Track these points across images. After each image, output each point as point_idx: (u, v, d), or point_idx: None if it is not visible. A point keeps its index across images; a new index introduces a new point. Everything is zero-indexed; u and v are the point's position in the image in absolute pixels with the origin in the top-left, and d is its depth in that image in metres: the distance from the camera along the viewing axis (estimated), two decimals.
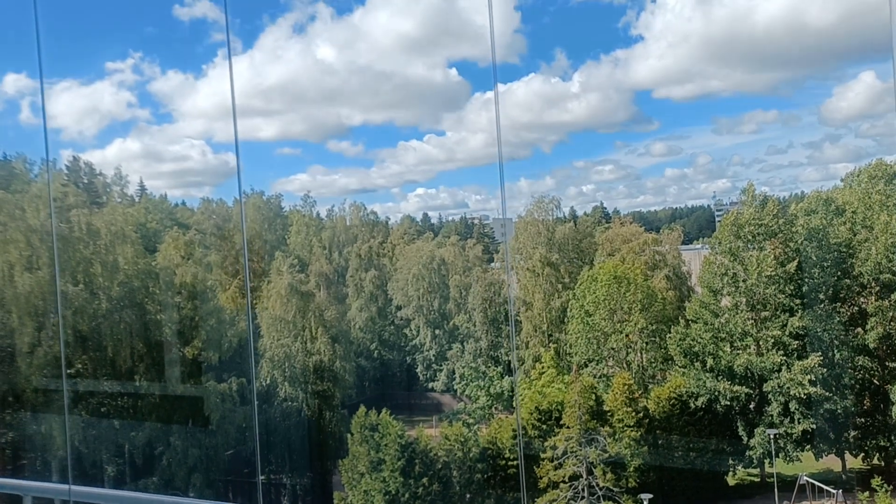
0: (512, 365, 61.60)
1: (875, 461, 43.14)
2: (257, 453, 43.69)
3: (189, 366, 49.88)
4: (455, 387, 65.85)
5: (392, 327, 75.42)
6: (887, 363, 41.49)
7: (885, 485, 36.85)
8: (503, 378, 59.70)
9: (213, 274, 59.25)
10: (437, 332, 71.84)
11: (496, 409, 57.90)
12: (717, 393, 42.02)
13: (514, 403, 53.50)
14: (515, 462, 41.45)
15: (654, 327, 49.91)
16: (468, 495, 41.28)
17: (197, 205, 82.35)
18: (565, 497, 38.22)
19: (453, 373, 68.26)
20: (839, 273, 43.49)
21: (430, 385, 71.79)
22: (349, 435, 44.27)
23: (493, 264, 77.13)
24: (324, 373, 53.76)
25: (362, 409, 43.68)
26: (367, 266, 76.19)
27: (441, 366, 71.01)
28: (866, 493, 37.72)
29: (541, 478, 39.45)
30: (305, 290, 57.50)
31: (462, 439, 41.91)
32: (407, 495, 40.28)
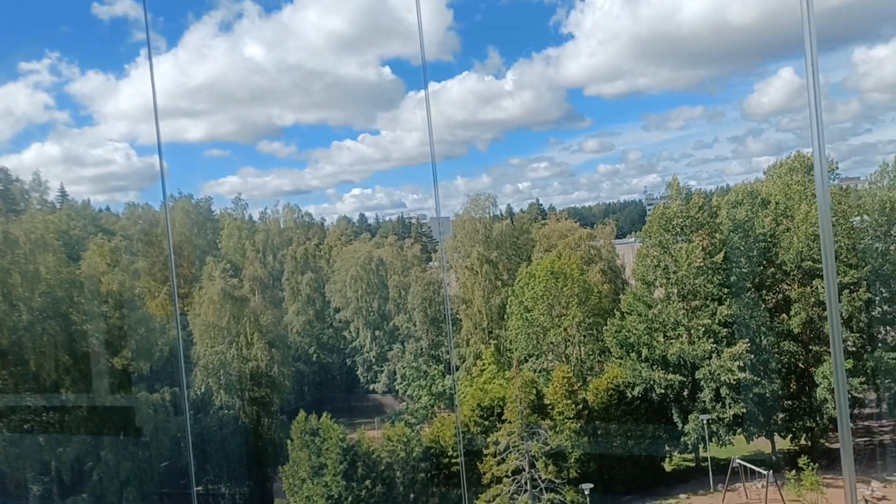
0: (451, 363, 61.71)
1: (802, 441, 44.93)
2: (191, 463, 42.49)
3: (118, 377, 48.07)
4: (397, 387, 65.56)
5: (331, 330, 74.55)
6: (811, 347, 43.28)
7: (811, 463, 38.40)
8: (445, 377, 59.76)
9: (141, 281, 57.32)
10: (376, 333, 71.38)
11: (439, 407, 57.90)
12: (652, 382, 43.03)
13: (453, 401, 53.58)
14: (458, 459, 41.49)
15: (591, 320, 50.81)
16: (412, 495, 41.10)
17: (122, 210, 79.87)
18: (508, 491, 38.46)
19: (394, 373, 67.95)
20: (764, 262, 45.16)
21: (371, 387, 71.29)
22: (289, 441, 43.52)
23: (431, 263, 77.20)
24: (261, 379, 52.71)
25: (302, 413, 42.98)
26: (303, 269, 75.09)
27: (382, 367, 70.61)
28: (793, 472, 39.24)
29: (484, 473, 39.60)
30: (239, 294, 56.25)
31: (405, 439, 41.71)
32: (350, 498, 39.83)
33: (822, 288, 41.28)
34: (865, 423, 49.41)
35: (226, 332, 52.30)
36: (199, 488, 49.37)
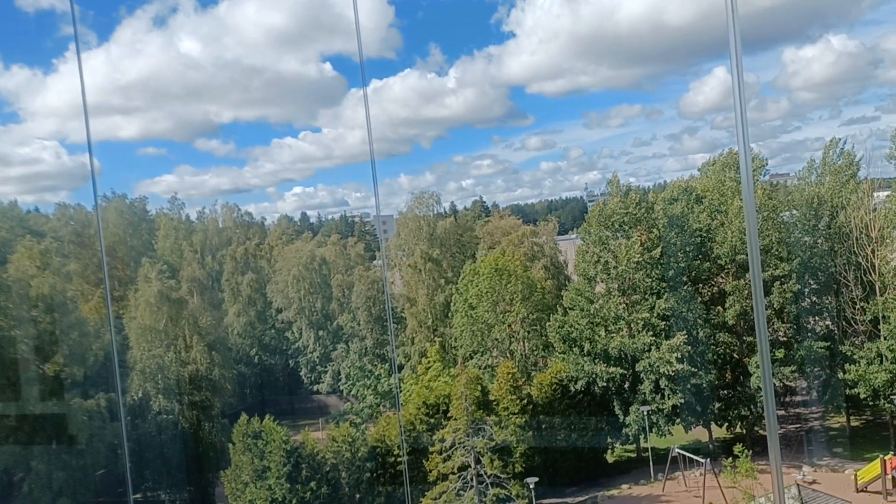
0: (392, 362, 61.52)
1: (738, 429, 46.41)
2: (128, 470, 41.27)
3: (50, 383, 46.29)
4: (341, 387, 65.03)
5: (273, 331, 73.46)
6: (745, 338, 44.72)
7: (746, 451, 39.67)
8: (391, 376, 59.55)
9: (73, 284, 55.36)
10: (320, 333, 70.66)
11: (384, 406, 57.68)
12: (594, 375, 43.77)
13: (400, 399, 53.42)
14: (405, 458, 41.39)
15: (534, 316, 51.39)
16: (358, 495, 40.81)
17: (52, 211, 76.91)
18: (454, 488, 38.52)
19: (339, 374, 67.40)
20: (699, 256, 46.45)
21: (315, 387, 70.56)
22: (231, 444, 42.66)
23: (375, 262, 76.81)
24: (201, 382, 51.57)
25: (244, 416, 42.18)
26: (243, 269, 73.73)
27: (326, 367, 69.94)
28: (730, 460, 40.47)
29: (430, 471, 39.57)
30: (177, 296, 54.87)
31: (350, 440, 41.35)
32: (294, 501, 39.28)
33: None
34: (796, 411, 51.41)
35: (163, 336, 50.96)
36: (138, 496, 48.00)
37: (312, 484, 39.46)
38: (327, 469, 40.43)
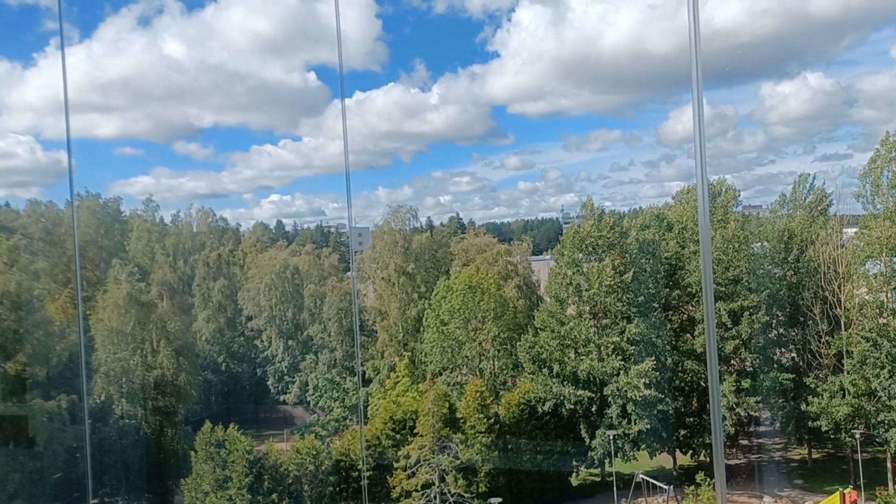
0: (358, 374, 61.17)
1: (702, 457, 46.73)
2: (88, 475, 40.49)
3: (11, 383, 45.37)
4: (308, 398, 64.41)
5: (242, 338, 72.70)
6: None
7: (708, 479, 39.92)
8: (360, 389, 59.17)
9: (40, 282, 54.42)
10: (290, 342, 70.08)
11: (351, 420, 57.24)
12: (562, 397, 43.85)
13: (367, 413, 53.09)
14: (369, 473, 41.08)
15: (505, 335, 51.47)
16: None
17: (23, 207, 75.66)
18: None
19: (307, 384, 66.78)
20: (670, 283, 46.95)
21: (282, 398, 69.84)
22: (193, 452, 42.06)
23: (348, 273, 76.45)
24: (166, 388, 50.86)
25: (208, 424, 41.64)
26: (215, 275, 73.00)
27: (294, 377, 69.29)
28: (692, 487, 40.70)
29: (394, 487, 39.35)
30: (146, 299, 54.25)
31: (314, 452, 40.96)
32: None
33: (724, 310, 43.28)
34: (760, 441, 51.94)
35: (130, 339, 50.25)
36: (95, 501, 47.04)
37: (274, 496, 39.00)
38: (290, 481, 39.99)
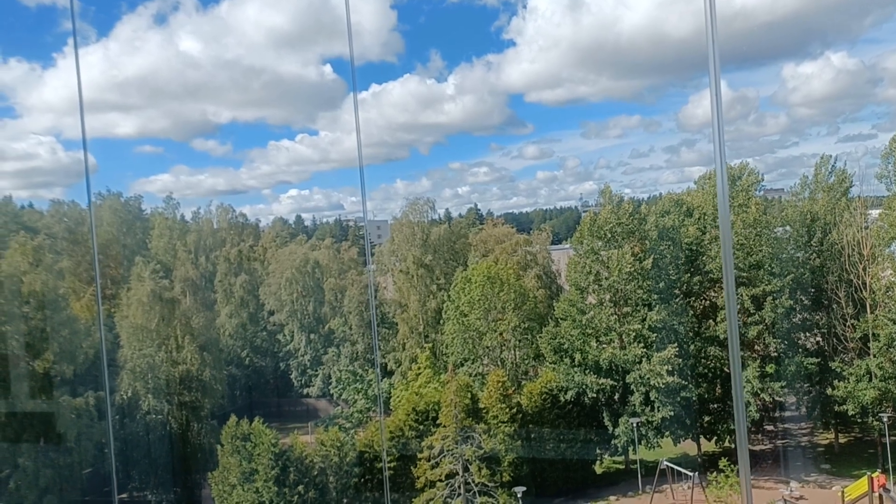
0: (376, 366, 61.48)
1: (726, 444, 46.45)
2: (113, 469, 41.11)
3: (40, 380, 46.10)
4: (331, 391, 64.88)
5: (264, 333, 73.32)
6: None
7: (732, 465, 39.67)
8: (382, 380, 59.52)
9: (65, 281, 55.20)
10: (311, 336, 70.55)
11: (374, 411, 57.59)
12: (584, 386, 43.80)
13: (389, 405, 53.37)
14: (393, 464, 41.36)
15: (526, 325, 51.41)
16: (345, 500, 40.71)
17: (46, 207, 76.75)
18: (442, 495, 38.50)
19: (329, 377, 67.24)
20: (691, 269, 46.60)
21: (306, 391, 70.39)
22: (219, 446, 42.52)
23: (368, 266, 76.78)
24: (191, 383, 51.41)
25: (233, 418, 42.07)
26: (236, 270, 73.62)
27: (317, 371, 69.80)
28: (715, 474, 40.49)
29: (418, 477, 39.57)
30: (170, 296, 54.79)
31: (338, 444, 41.27)
32: None
33: (747, 295, 42.91)
34: (785, 426, 51.53)
35: (155, 335, 50.83)
36: (124, 495, 47.78)
37: (300, 488, 39.36)
38: (315, 473, 40.33)
